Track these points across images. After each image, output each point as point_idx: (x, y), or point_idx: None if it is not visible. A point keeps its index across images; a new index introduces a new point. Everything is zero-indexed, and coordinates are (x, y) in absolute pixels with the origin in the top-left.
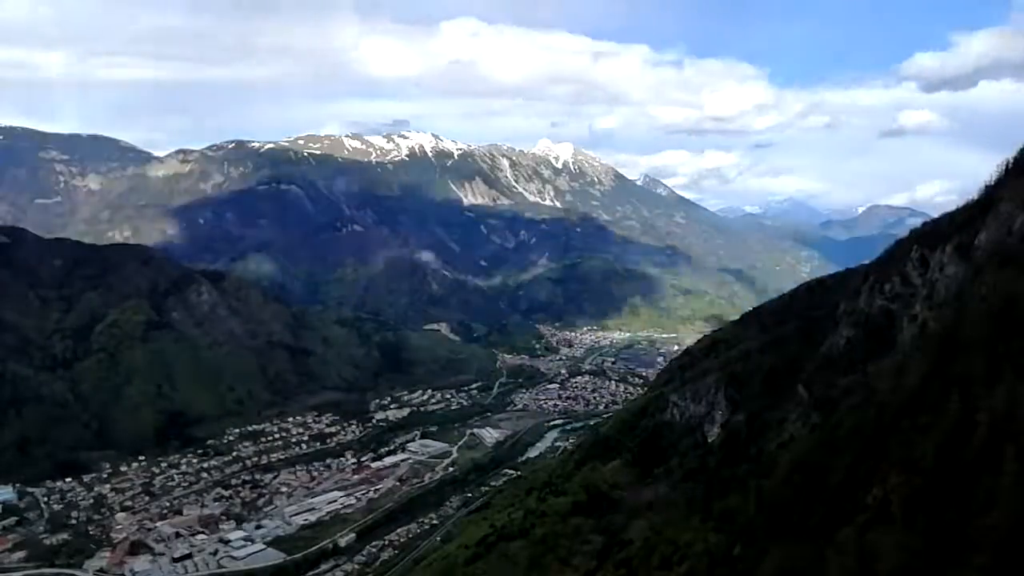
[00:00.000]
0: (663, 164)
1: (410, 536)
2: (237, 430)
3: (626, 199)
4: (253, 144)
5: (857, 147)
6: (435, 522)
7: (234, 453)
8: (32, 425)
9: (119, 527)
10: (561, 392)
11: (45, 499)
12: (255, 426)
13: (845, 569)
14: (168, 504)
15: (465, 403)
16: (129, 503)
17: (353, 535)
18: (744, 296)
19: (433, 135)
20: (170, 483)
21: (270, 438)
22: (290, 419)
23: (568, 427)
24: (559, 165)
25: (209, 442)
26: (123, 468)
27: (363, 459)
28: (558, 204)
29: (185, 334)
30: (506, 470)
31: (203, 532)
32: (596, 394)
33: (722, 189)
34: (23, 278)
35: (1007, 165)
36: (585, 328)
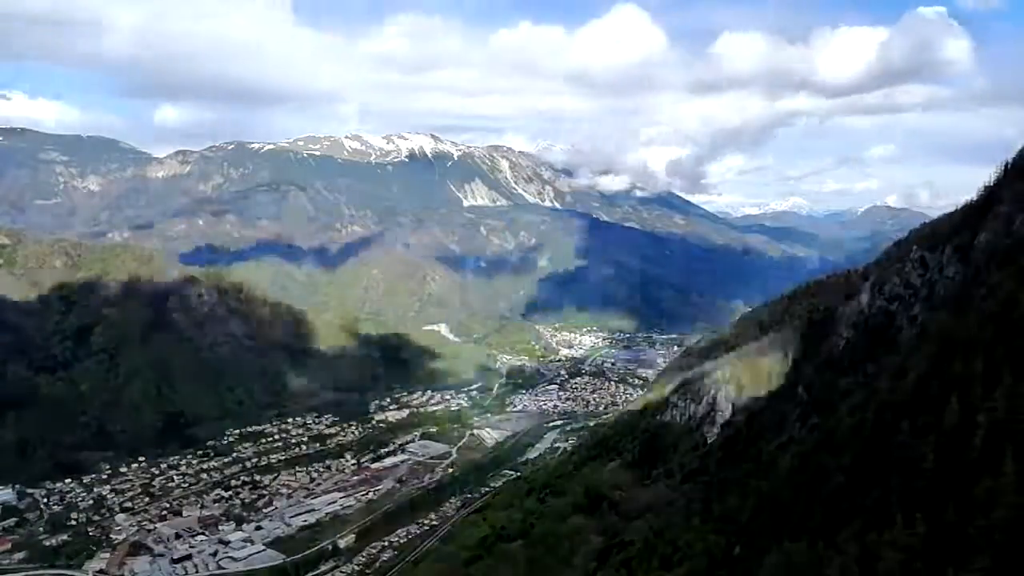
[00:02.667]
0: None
1: (410, 537)
2: (237, 431)
3: (625, 200)
4: (253, 145)
5: None
6: (435, 523)
7: (234, 454)
8: (32, 426)
9: (119, 528)
10: (561, 393)
11: (45, 500)
12: (255, 427)
13: (845, 569)
14: (168, 505)
15: (465, 404)
16: (129, 504)
17: (352, 536)
18: (744, 297)
19: (432, 136)
20: (170, 484)
21: (270, 439)
22: (290, 420)
23: (568, 428)
24: (559, 166)
25: (209, 443)
26: (123, 469)
27: (362, 460)
28: (557, 205)
29: (185, 335)
30: (506, 471)
31: (203, 533)
32: (596, 395)
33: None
34: (23, 279)
35: (1005, 167)
36: (584, 329)
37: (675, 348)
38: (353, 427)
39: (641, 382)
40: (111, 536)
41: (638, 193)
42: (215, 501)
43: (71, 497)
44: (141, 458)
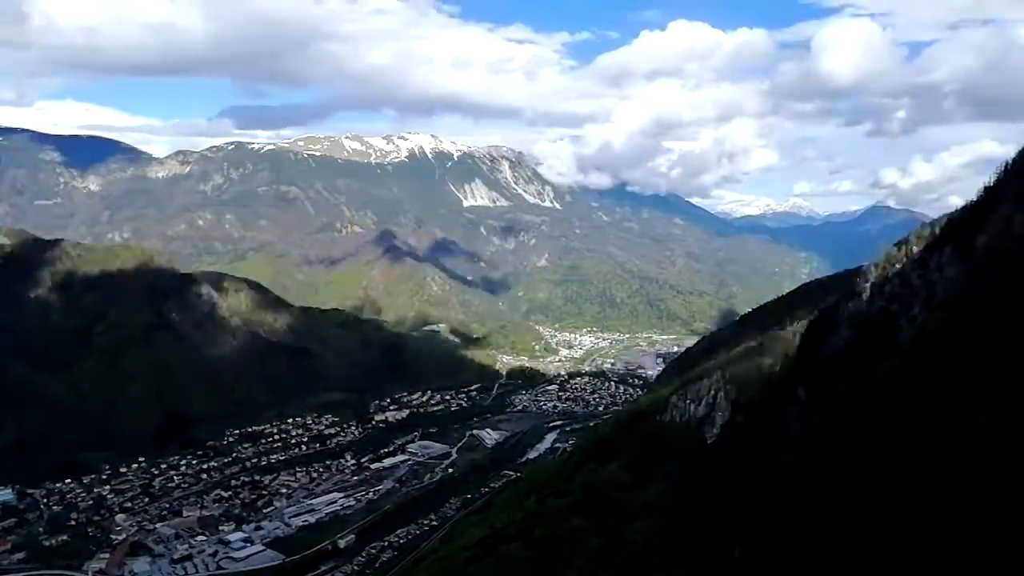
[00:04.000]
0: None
1: (410, 537)
2: (237, 431)
3: (625, 200)
4: (253, 145)
5: None
6: (434, 523)
7: (234, 454)
8: (32, 426)
9: (119, 528)
10: (560, 393)
11: (45, 500)
12: (255, 427)
13: (845, 569)
14: (168, 505)
15: (465, 404)
16: (129, 504)
17: (352, 536)
18: (744, 297)
19: (432, 136)
20: (170, 484)
21: (270, 439)
22: (290, 420)
23: (568, 428)
24: (559, 167)
25: (209, 443)
26: (123, 469)
27: (362, 460)
28: (557, 205)
29: (185, 335)
30: (506, 471)
31: (203, 533)
32: (595, 395)
33: None
34: (23, 279)
35: (1006, 167)
36: (584, 329)
37: (675, 348)
38: (353, 427)
39: (641, 382)
40: (111, 536)
41: (638, 194)
42: (215, 501)
43: (71, 497)
44: (141, 458)
